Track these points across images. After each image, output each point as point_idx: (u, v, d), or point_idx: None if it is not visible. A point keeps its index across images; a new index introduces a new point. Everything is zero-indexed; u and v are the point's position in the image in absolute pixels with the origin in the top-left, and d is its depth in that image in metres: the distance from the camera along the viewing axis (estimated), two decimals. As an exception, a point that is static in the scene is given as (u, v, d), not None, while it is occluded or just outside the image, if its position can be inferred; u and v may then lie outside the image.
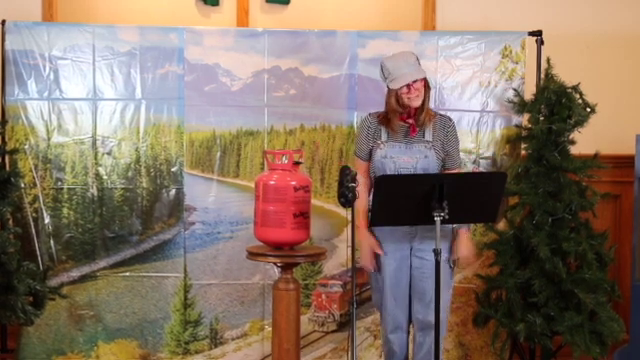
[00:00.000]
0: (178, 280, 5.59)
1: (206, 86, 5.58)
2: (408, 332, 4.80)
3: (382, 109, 4.74)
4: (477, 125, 5.61)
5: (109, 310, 5.58)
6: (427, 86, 4.66)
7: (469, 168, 5.55)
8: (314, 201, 5.05)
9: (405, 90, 4.56)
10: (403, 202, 4.30)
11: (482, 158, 5.62)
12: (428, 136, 4.66)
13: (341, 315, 5.63)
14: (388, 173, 4.62)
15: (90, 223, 5.56)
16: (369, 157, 4.73)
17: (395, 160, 4.62)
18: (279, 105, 5.61)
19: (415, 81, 4.55)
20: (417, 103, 4.60)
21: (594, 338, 5.15)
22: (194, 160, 5.61)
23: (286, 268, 4.76)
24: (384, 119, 4.68)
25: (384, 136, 4.67)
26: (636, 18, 6.00)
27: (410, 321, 4.77)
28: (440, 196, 4.22)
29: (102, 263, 5.58)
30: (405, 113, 4.63)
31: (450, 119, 4.78)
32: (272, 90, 5.60)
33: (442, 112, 4.95)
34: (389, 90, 4.61)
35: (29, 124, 5.50)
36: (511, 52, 5.57)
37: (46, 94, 5.50)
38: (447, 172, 4.69)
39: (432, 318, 4.51)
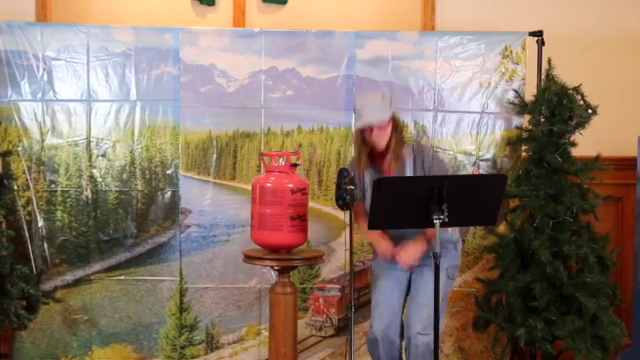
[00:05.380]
0: (174, 284, 5.55)
1: (202, 87, 5.54)
2: (401, 334, 4.75)
3: None
4: (477, 127, 5.57)
5: (104, 314, 5.54)
6: (396, 127, 4.60)
7: (469, 170, 5.50)
8: (312, 204, 5.02)
9: (368, 133, 4.55)
10: (402, 205, 4.24)
11: (482, 160, 5.59)
12: (408, 169, 4.60)
13: (339, 319, 5.59)
14: None
15: (84, 226, 5.51)
16: None
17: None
18: (276, 106, 5.57)
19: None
20: (381, 145, 4.57)
21: (596, 343, 5.12)
22: (190, 162, 5.57)
23: (283, 272, 4.74)
24: (356, 162, 4.67)
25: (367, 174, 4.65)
26: (638, 19, 5.95)
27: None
28: (440, 198, 4.16)
29: (96, 267, 5.54)
30: (378, 153, 4.58)
31: (429, 147, 4.78)
32: (269, 91, 5.56)
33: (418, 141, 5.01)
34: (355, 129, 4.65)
35: (22, 125, 5.46)
36: (511, 53, 5.53)
37: (40, 95, 5.46)
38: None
39: (423, 324, 4.54)
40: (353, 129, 4.60)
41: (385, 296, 4.67)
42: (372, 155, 4.63)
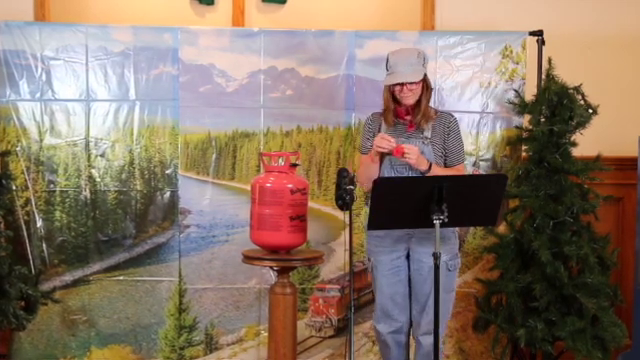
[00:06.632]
0: (173, 284, 5.53)
1: (201, 87, 5.53)
2: (408, 334, 4.74)
3: (380, 110, 4.73)
4: (477, 126, 5.56)
5: (102, 315, 5.52)
6: (427, 86, 4.65)
7: (469, 170, 5.49)
8: (311, 204, 5.01)
9: (398, 88, 4.59)
10: (402, 205, 4.23)
11: (482, 160, 5.57)
12: (427, 133, 4.64)
13: (339, 320, 5.57)
14: (385, 173, 4.60)
15: (83, 226, 5.49)
16: None
17: (391, 157, 4.59)
18: (275, 106, 5.55)
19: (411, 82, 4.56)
20: (410, 102, 4.61)
21: (596, 343, 5.10)
22: (189, 162, 5.55)
23: (282, 272, 4.72)
24: (384, 114, 4.68)
25: (383, 132, 4.64)
26: (638, 19, 5.93)
27: (411, 322, 4.73)
28: (439, 199, 4.15)
29: (95, 267, 5.52)
30: (403, 109, 4.62)
31: (451, 115, 4.77)
32: (268, 91, 5.54)
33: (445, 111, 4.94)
34: (385, 85, 4.63)
35: (21, 125, 5.44)
36: (512, 52, 5.52)
37: (38, 95, 5.44)
38: (450, 169, 4.66)
39: (429, 323, 4.49)
40: (383, 85, 4.61)
41: (387, 278, 4.66)
42: (397, 112, 4.64)
